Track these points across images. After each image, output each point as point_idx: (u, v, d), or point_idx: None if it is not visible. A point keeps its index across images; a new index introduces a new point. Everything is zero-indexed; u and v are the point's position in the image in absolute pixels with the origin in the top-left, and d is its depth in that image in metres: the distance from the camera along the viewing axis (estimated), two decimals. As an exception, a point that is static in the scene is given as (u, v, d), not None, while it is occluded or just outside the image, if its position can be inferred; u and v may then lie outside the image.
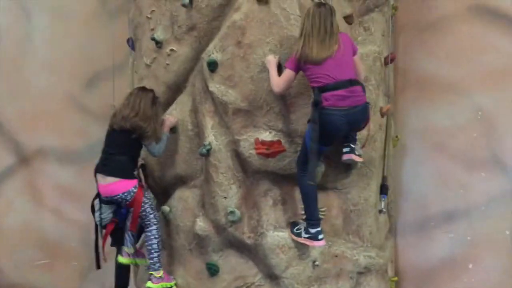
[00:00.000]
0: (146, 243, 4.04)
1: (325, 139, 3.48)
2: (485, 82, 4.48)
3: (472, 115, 4.54)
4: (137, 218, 4.01)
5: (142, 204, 3.95)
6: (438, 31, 4.63)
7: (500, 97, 4.46)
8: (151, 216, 4.02)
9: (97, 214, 4.12)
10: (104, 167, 3.90)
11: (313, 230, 3.66)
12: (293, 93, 3.78)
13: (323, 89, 3.42)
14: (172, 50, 4.14)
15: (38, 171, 5.91)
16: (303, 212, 3.83)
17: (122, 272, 4.45)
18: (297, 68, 3.52)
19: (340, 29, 3.67)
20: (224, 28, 3.89)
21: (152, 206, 4.05)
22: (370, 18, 4.20)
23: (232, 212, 3.91)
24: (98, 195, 4.06)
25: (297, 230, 3.79)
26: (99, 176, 3.95)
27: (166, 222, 4.29)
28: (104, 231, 4.16)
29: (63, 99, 5.79)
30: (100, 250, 4.27)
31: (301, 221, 3.83)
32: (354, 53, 3.61)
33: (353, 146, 3.72)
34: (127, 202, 3.93)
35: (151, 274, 4.02)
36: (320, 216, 3.73)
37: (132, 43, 4.74)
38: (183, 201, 4.24)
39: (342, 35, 3.60)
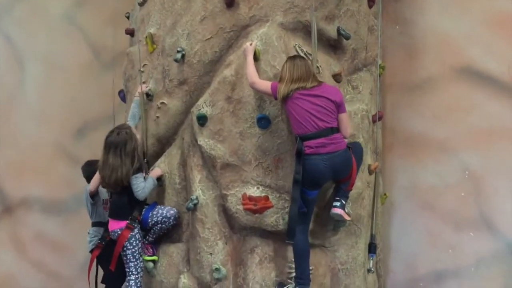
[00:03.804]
0: (134, 275, 4.00)
1: (309, 183, 3.52)
2: (471, 142, 4.54)
3: (460, 174, 4.56)
4: (116, 258, 4.00)
5: (124, 248, 3.95)
6: (425, 90, 4.73)
7: (487, 156, 4.50)
8: (131, 264, 3.97)
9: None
10: (109, 209, 4.17)
11: None
12: (281, 148, 3.79)
13: (305, 137, 3.50)
14: (162, 103, 4.17)
15: (21, 221, 5.80)
16: (290, 271, 3.75)
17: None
18: (275, 95, 3.59)
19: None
20: (215, 83, 3.94)
21: (135, 254, 3.97)
22: (359, 77, 4.29)
23: (217, 269, 3.82)
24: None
25: (285, 290, 3.70)
26: None
27: (149, 277, 4.19)
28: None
29: (51, 148, 5.77)
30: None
31: (288, 280, 3.74)
32: (341, 110, 3.62)
33: (344, 202, 3.70)
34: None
35: None
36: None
37: (123, 95, 4.79)
38: (168, 256, 4.15)
39: (331, 87, 3.68)
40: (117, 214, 4.04)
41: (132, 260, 3.98)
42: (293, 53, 3.83)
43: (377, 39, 4.35)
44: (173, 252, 4.15)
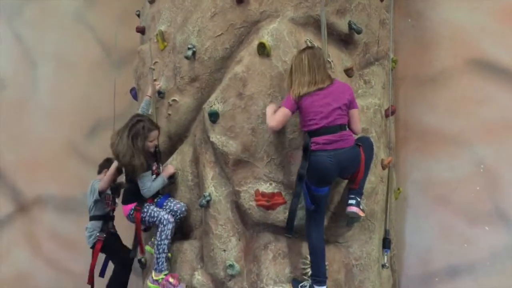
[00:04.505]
0: (156, 241, 4.01)
1: (316, 180, 3.49)
2: (485, 135, 4.49)
3: (474, 168, 4.51)
4: (141, 240, 4.13)
5: (143, 221, 4.06)
6: (437, 84, 4.69)
7: (501, 150, 4.45)
8: (156, 220, 4.00)
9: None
10: (123, 196, 4.27)
11: None
12: (293, 144, 3.77)
13: (313, 133, 3.48)
14: (174, 100, 4.17)
15: (36, 219, 5.86)
16: (304, 267, 3.74)
17: None
18: (294, 107, 3.54)
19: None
20: (226, 80, 3.93)
21: (152, 213, 4.02)
22: (371, 71, 4.25)
23: (231, 266, 3.83)
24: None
25: (301, 287, 3.67)
26: None
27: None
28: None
29: (64, 147, 5.82)
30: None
31: (303, 277, 3.73)
32: (352, 106, 3.60)
33: (358, 199, 3.67)
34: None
35: (152, 272, 4.05)
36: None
37: (135, 93, 4.80)
38: (182, 253, 4.16)
39: (342, 84, 3.64)
40: (128, 200, 4.12)
41: (152, 220, 4.02)
42: (304, 48, 3.80)
43: (389, 32, 4.31)
44: (187, 249, 4.15)
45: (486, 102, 4.53)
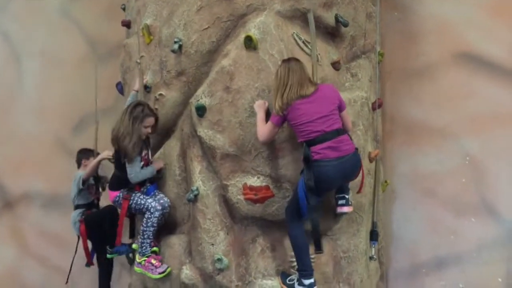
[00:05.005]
0: (142, 227, 4.01)
1: (320, 191, 3.46)
2: (472, 128, 4.52)
3: (460, 160, 4.55)
4: (120, 230, 4.11)
5: (131, 209, 4.07)
6: (424, 77, 4.71)
7: (487, 142, 4.49)
8: (143, 208, 4.01)
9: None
10: (110, 182, 4.32)
11: (306, 282, 3.55)
12: (282, 137, 3.76)
13: (312, 143, 3.42)
14: (160, 94, 4.15)
15: (22, 216, 5.81)
16: (292, 259, 3.75)
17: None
18: (280, 121, 3.52)
19: (328, 77, 3.73)
20: (213, 74, 3.91)
21: (138, 201, 4.02)
22: (357, 64, 4.26)
23: (219, 260, 3.82)
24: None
25: (290, 281, 3.68)
26: None
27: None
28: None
29: (50, 143, 5.77)
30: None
31: (292, 271, 3.74)
32: (341, 108, 3.58)
33: (347, 197, 3.69)
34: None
35: (136, 256, 4.09)
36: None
37: (121, 87, 4.76)
38: (170, 247, 4.15)
39: (328, 87, 3.61)
40: (115, 187, 4.13)
41: (139, 208, 4.02)
42: (291, 41, 3.80)
43: (375, 26, 4.31)
44: (175, 243, 4.14)
45: (472, 95, 4.56)
